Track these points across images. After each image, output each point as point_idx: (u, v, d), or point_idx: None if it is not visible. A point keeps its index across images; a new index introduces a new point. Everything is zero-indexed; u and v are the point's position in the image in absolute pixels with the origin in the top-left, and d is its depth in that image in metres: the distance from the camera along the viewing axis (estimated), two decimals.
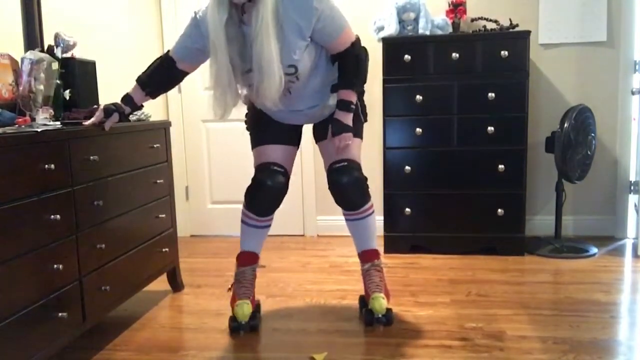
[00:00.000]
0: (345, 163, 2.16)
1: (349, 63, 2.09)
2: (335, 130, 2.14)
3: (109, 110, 2.09)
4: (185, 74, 2.21)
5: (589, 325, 2.23)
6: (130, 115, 2.41)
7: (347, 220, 2.30)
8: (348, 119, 2.14)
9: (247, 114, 2.37)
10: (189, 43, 2.09)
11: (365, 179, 2.21)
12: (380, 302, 2.19)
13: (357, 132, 2.23)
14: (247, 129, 2.37)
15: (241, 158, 3.68)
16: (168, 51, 2.18)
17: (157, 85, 2.21)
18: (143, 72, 2.21)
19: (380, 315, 2.20)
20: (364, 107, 2.30)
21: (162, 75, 2.20)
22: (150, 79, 2.19)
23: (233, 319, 2.23)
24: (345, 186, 2.15)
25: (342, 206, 2.24)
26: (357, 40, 2.10)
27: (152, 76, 2.19)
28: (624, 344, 2.08)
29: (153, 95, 2.22)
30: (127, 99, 2.18)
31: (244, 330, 2.22)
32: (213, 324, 2.34)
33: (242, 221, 2.32)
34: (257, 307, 2.37)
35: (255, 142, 2.31)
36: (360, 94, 2.28)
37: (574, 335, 2.14)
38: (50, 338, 1.78)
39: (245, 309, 2.19)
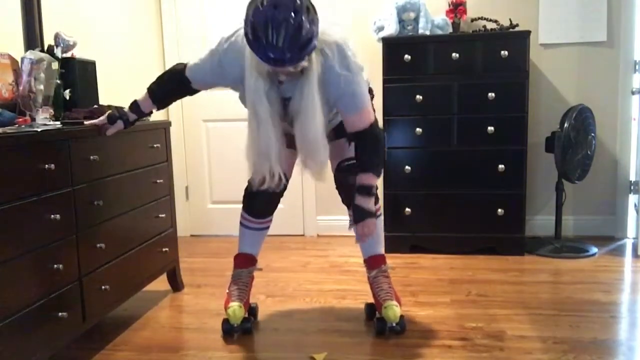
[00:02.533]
0: (355, 161, 2.11)
1: (367, 145, 1.99)
2: (357, 218, 2.05)
3: (113, 117, 2.07)
4: (199, 91, 2.15)
5: (589, 325, 2.23)
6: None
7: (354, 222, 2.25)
8: (370, 203, 2.04)
9: None
10: (209, 77, 2.03)
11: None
12: (394, 310, 2.13)
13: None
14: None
15: (241, 158, 3.65)
16: (184, 68, 2.08)
17: (168, 101, 2.18)
18: (156, 84, 2.13)
19: (394, 324, 2.15)
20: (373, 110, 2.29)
21: (176, 93, 2.15)
22: (164, 95, 2.13)
23: (226, 322, 2.21)
24: (354, 185, 2.07)
25: (349, 206, 2.20)
26: (375, 121, 2.01)
27: (167, 93, 2.13)
28: (624, 344, 2.08)
29: (162, 107, 2.18)
30: (135, 106, 2.12)
31: (236, 332, 2.20)
32: (213, 324, 2.34)
33: (241, 223, 2.31)
34: (252, 310, 2.35)
35: None
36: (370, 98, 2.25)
37: (574, 335, 2.14)
38: (50, 338, 1.78)
39: (237, 312, 2.16)
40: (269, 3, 1.63)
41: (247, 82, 1.83)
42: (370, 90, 2.25)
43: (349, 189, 2.13)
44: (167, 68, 3.78)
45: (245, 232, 2.31)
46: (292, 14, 1.63)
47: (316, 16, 1.72)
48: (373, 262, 2.28)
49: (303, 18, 1.64)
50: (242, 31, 1.78)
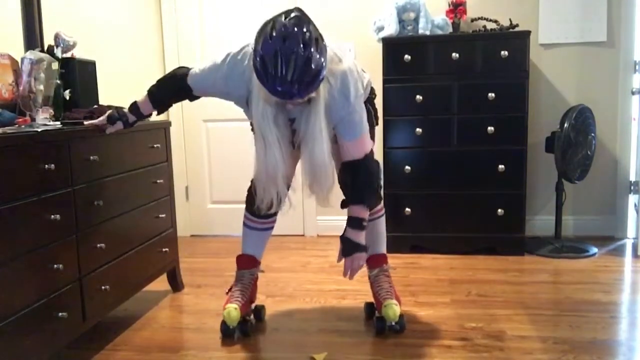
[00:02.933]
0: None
1: (360, 177, 1.96)
2: (347, 251, 2.01)
3: (113, 117, 2.06)
4: (200, 97, 2.13)
5: (589, 325, 2.23)
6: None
7: None
8: (360, 237, 2.00)
9: None
10: (211, 90, 2.01)
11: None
12: (394, 309, 2.14)
13: (372, 137, 2.18)
14: (253, 129, 2.34)
15: (241, 158, 3.68)
16: (186, 74, 2.05)
17: (168, 104, 2.15)
18: (156, 87, 2.10)
19: (393, 323, 2.16)
20: (375, 111, 2.25)
21: (176, 97, 2.14)
22: (164, 99, 2.10)
23: (223, 323, 2.21)
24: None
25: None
26: (371, 153, 1.98)
27: (167, 97, 2.11)
28: (624, 344, 2.08)
29: (162, 111, 2.16)
30: (134, 108, 2.10)
31: (231, 334, 2.19)
32: (213, 324, 2.34)
33: (244, 223, 2.31)
34: (257, 311, 2.35)
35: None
36: (372, 99, 2.23)
37: (574, 335, 2.14)
38: (50, 338, 1.78)
39: (232, 314, 2.15)
40: (278, 35, 1.61)
41: (253, 106, 1.81)
42: (373, 91, 2.26)
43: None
44: (167, 68, 3.81)
45: (248, 233, 2.30)
46: (302, 47, 1.60)
47: (324, 45, 1.69)
48: (374, 262, 2.28)
49: (312, 51, 1.61)
50: (249, 49, 1.76)
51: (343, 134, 1.90)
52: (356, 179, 1.96)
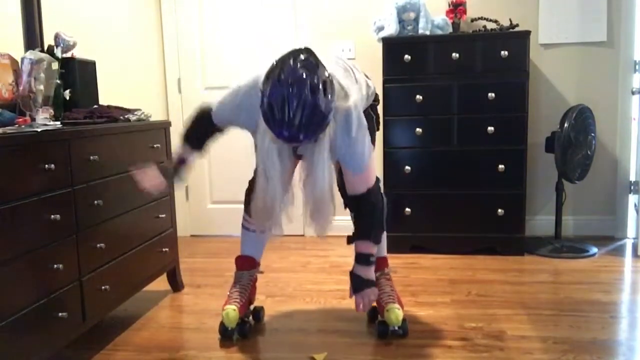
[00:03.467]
0: None
1: (365, 213, 1.96)
2: (357, 288, 2.00)
3: (169, 172, 2.05)
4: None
5: (589, 325, 2.23)
6: (131, 116, 2.41)
7: None
8: (369, 272, 2.00)
9: None
10: (233, 117, 2.00)
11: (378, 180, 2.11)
12: (396, 314, 2.13)
13: (373, 142, 2.16)
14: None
15: (241, 158, 3.68)
16: (209, 113, 2.06)
17: (207, 145, 2.15)
18: (190, 134, 2.10)
19: (396, 327, 2.14)
20: (377, 116, 2.25)
21: (213, 137, 2.15)
22: (201, 141, 2.11)
23: (222, 324, 2.21)
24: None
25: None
26: (375, 187, 1.96)
27: (204, 140, 2.12)
28: (624, 344, 2.08)
29: (203, 153, 2.15)
30: (179, 160, 2.08)
31: (229, 335, 2.19)
32: (213, 324, 2.34)
33: (243, 225, 2.30)
34: (257, 312, 2.35)
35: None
36: (375, 105, 2.23)
37: (574, 335, 2.14)
38: (50, 338, 1.78)
39: (230, 315, 2.15)
40: (286, 79, 1.59)
41: (259, 141, 1.79)
42: (376, 97, 2.26)
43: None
44: (167, 68, 3.82)
45: (247, 234, 2.29)
46: (309, 94, 1.58)
47: (333, 85, 1.68)
48: (376, 265, 2.24)
49: (320, 97, 1.60)
50: (259, 83, 1.73)
51: (347, 166, 1.91)
52: (360, 215, 1.97)
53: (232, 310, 2.16)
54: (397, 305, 2.16)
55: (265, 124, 1.66)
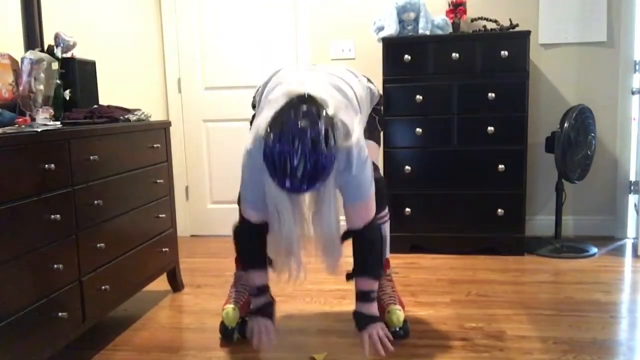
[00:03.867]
0: None
1: (363, 249, 1.91)
2: (361, 325, 1.94)
3: (258, 320, 1.94)
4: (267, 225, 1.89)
5: (589, 325, 2.23)
6: (131, 116, 2.41)
7: None
8: (372, 309, 1.95)
9: (254, 115, 2.23)
10: (260, 183, 1.77)
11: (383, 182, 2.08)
12: (398, 315, 2.12)
13: (377, 141, 2.18)
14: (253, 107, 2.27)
15: (241, 158, 3.68)
16: (243, 223, 1.96)
17: (265, 256, 1.98)
18: (245, 259, 2.04)
19: (397, 328, 2.13)
20: (382, 116, 2.23)
21: (263, 242, 1.93)
22: (258, 255, 1.96)
23: (222, 323, 2.20)
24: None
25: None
26: (374, 220, 1.91)
27: (259, 250, 1.94)
28: (624, 344, 2.08)
29: (266, 267, 2.00)
30: (257, 292, 1.98)
31: (230, 335, 2.18)
32: (213, 324, 2.34)
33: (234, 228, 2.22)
34: (246, 314, 2.28)
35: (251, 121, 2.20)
36: (378, 109, 2.21)
37: (574, 335, 2.14)
38: (50, 338, 1.78)
39: (230, 314, 2.15)
40: (288, 135, 1.57)
41: (267, 188, 1.74)
42: (380, 102, 2.24)
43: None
44: (167, 68, 3.82)
45: None
46: (311, 148, 1.56)
47: (335, 132, 1.64)
48: None
49: (322, 150, 1.58)
50: (259, 137, 1.70)
51: (347, 195, 1.84)
52: (359, 251, 1.92)
53: (231, 310, 2.16)
54: (398, 307, 2.16)
55: (269, 174, 1.63)
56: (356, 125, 1.79)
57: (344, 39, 3.64)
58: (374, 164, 2.08)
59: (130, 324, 2.39)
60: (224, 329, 2.20)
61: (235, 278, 2.30)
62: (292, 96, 1.68)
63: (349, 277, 1.98)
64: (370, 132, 2.14)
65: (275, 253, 1.85)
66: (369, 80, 2.20)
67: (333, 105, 1.71)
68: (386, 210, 2.21)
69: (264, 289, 2.00)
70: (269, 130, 1.62)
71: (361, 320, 1.95)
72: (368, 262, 1.93)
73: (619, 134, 3.49)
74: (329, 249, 1.81)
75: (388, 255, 2.29)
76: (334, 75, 1.98)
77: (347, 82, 1.99)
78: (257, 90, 2.19)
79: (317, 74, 1.97)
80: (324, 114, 1.64)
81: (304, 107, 1.62)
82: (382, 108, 2.28)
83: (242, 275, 2.27)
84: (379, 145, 2.24)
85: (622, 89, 3.45)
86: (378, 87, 2.59)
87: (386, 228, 2.24)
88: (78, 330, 1.95)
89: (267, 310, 1.98)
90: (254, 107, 2.26)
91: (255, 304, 1.99)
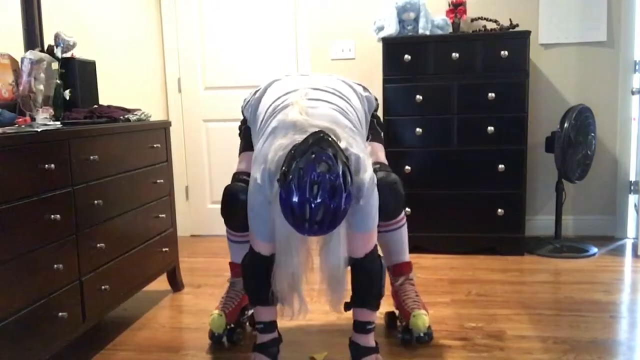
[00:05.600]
0: (378, 165, 2.01)
1: (361, 279, 1.85)
2: (356, 357, 1.90)
3: (272, 351, 1.90)
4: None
5: (589, 325, 2.23)
6: (131, 116, 2.41)
7: (378, 232, 2.07)
8: (368, 340, 1.90)
9: (243, 120, 2.19)
10: (268, 221, 1.73)
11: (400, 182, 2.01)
12: (424, 319, 2.07)
13: (381, 142, 2.16)
14: (240, 135, 2.22)
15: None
16: (254, 263, 1.86)
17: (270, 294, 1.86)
18: (252, 292, 1.90)
19: (422, 334, 2.08)
20: (379, 118, 2.21)
21: (269, 277, 1.82)
22: (266, 290, 1.83)
23: (210, 329, 2.17)
24: (381, 190, 1.87)
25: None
26: (375, 251, 1.86)
27: (268, 289, 1.82)
28: (624, 344, 2.08)
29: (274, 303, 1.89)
30: (264, 328, 1.91)
31: (218, 340, 2.14)
32: None
33: (227, 237, 2.21)
34: (248, 318, 2.28)
35: (241, 148, 2.15)
36: (375, 114, 2.19)
37: (574, 335, 2.14)
38: (50, 338, 1.78)
39: (215, 320, 2.12)
40: (307, 181, 1.51)
41: (278, 222, 1.68)
42: (377, 103, 2.20)
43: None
44: (167, 68, 3.81)
45: (232, 245, 2.21)
46: (330, 196, 1.52)
47: (351, 174, 1.60)
48: (400, 270, 2.21)
49: (340, 198, 1.53)
50: (265, 172, 1.67)
51: (352, 225, 1.76)
52: (357, 282, 1.86)
53: (217, 316, 2.13)
54: (423, 311, 2.10)
55: (283, 215, 1.59)
56: (367, 158, 1.76)
57: (344, 39, 3.64)
58: (386, 164, 2.08)
59: (130, 324, 2.39)
60: (211, 334, 2.16)
61: (229, 284, 2.26)
62: (302, 129, 1.63)
63: (347, 307, 1.90)
64: (372, 135, 2.11)
65: (280, 287, 1.78)
66: (365, 88, 2.13)
67: (345, 138, 1.67)
68: (403, 213, 2.16)
69: (271, 326, 1.92)
70: (285, 175, 1.55)
71: (357, 352, 1.90)
72: (366, 293, 1.87)
73: (619, 134, 3.49)
74: (333, 284, 1.76)
75: (408, 259, 2.24)
76: (335, 94, 1.91)
77: (347, 100, 1.93)
78: (247, 101, 2.11)
79: (321, 94, 1.88)
80: (340, 153, 1.58)
81: (321, 149, 1.55)
82: (377, 112, 2.23)
83: (236, 281, 2.22)
84: (383, 145, 2.20)
85: (622, 89, 3.45)
86: (378, 87, 2.59)
87: (404, 232, 2.21)
88: (78, 330, 1.95)
89: (271, 348, 1.91)
90: (243, 117, 2.17)
91: (260, 339, 1.93)
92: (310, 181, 1.51)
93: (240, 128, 2.23)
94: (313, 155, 1.54)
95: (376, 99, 2.21)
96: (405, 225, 2.22)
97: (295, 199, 1.52)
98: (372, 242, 1.83)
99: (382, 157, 2.14)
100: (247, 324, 2.31)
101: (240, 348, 2.14)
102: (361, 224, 1.77)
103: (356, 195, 1.69)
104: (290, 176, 1.53)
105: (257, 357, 1.91)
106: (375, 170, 1.94)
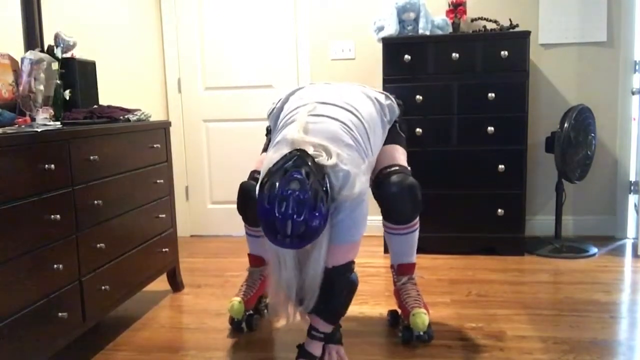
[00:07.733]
0: (397, 167, 2.04)
1: (323, 288, 1.79)
2: (296, 357, 1.91)
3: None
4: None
5: (589, 325, 2.23)
6: (131, 116, 2.42)
7: (389, 234, 2.16)
8: (313, 347, 1.88)
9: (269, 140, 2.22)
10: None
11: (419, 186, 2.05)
12: (423, 319, 2.07)
13: (402, 145, 2.20)
14: (267, 134, 2.30)
15: (241, 158, 3.68)
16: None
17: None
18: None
19: (421, 333, 2.09)
20: (402, 123, 2.24)
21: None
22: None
23: (230, 316, 2.29)
24: (398, 193, 1.91)
25: (390, 220, 2.11)
26: (347, 265, 1.84)
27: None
28: (624, 344, 2.08)
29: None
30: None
31: (238, 326, 2.26)
32: (213, 324, 2.34)
33: (245, 232, 2.31)
34: (265, 305, 2.38)
35: (263, 148, 2.26)
36: (402, 122, 2.22)
37: (574, 335, 2.14)
38: (50, 338, 1.78)
39: (235, 307, 2.23)
40: (276, 195, 1.59)
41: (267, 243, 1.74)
42: (401, 109, 2.23)
43: (394, 197, 2.01)
44: (167, 68, 3.82)
45: (250, 239, 2.32)
46: (297, 212, 1.58)
47: (327, 194, 1.65)
48: (404, 270, 2.22)
49: (309, 213, 1.59)
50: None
51: (336, 235, 1.78)
52: (325, 288, 1.81)
53: (237, 303, 2.24)
54: (423, 310, 2.11)
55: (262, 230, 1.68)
56: (361, 175, 1.78)
57: (344, 39, 3.64)
58: (404, 167, 2.10)
59: (130, 324, 2.39)
60: (231, 320, 2.28)
61: (248, 274, 2.35)
62: (297, 146, 1.70)
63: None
64: (392, 138, 2.17)
65: (275, 297, 1.85)
66: (387, 96, 2.16)
67: (336, 154, 1.71)
68: (417, 218, 2.16)
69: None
70: (262, 188, 1.65)
71: (299, 353, 1.91)
72: (323, 303, 1.83)
73: (619, 134, 3.49)
74: (308, 292, 1.79)
75: (414, 260, 2.24)
76: (344, 108, 1.93)
77: (357, 114, 1.94)
78: (272, 111, 2.17)
79: (328, 109, 1.91)
80: (314, 172, 1.63)
81: (295, 167, 1.62)
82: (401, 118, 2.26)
83: (253, 271, 2.33)
84: (405, 148, 2.22)
85: (622, 89, 3.45)
86: (378, 87, 2.58)
87: (415, 236, 2.20)
88: (78, 330, 1.95)
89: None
90: (268, 132, 2.27)
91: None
92: (280, 197, 1.59)
93: (267, 129, 2.32)
94: (286, 173, 1.62)
95: (401, 105, 2.22)
96: (418, 230, 2.20)
97: (265, 212, 1.61)
98: (346, 255, 1.84)
99: (400, 159, 2.16)
100: (266, 310, 2.38)
101: (240, 348, 2.14)
102: (335, 237, 1.79)
103: (337, 209, 1.74)
104: (265, 191, 1.63)
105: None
106: (390, 173, 2.03)
